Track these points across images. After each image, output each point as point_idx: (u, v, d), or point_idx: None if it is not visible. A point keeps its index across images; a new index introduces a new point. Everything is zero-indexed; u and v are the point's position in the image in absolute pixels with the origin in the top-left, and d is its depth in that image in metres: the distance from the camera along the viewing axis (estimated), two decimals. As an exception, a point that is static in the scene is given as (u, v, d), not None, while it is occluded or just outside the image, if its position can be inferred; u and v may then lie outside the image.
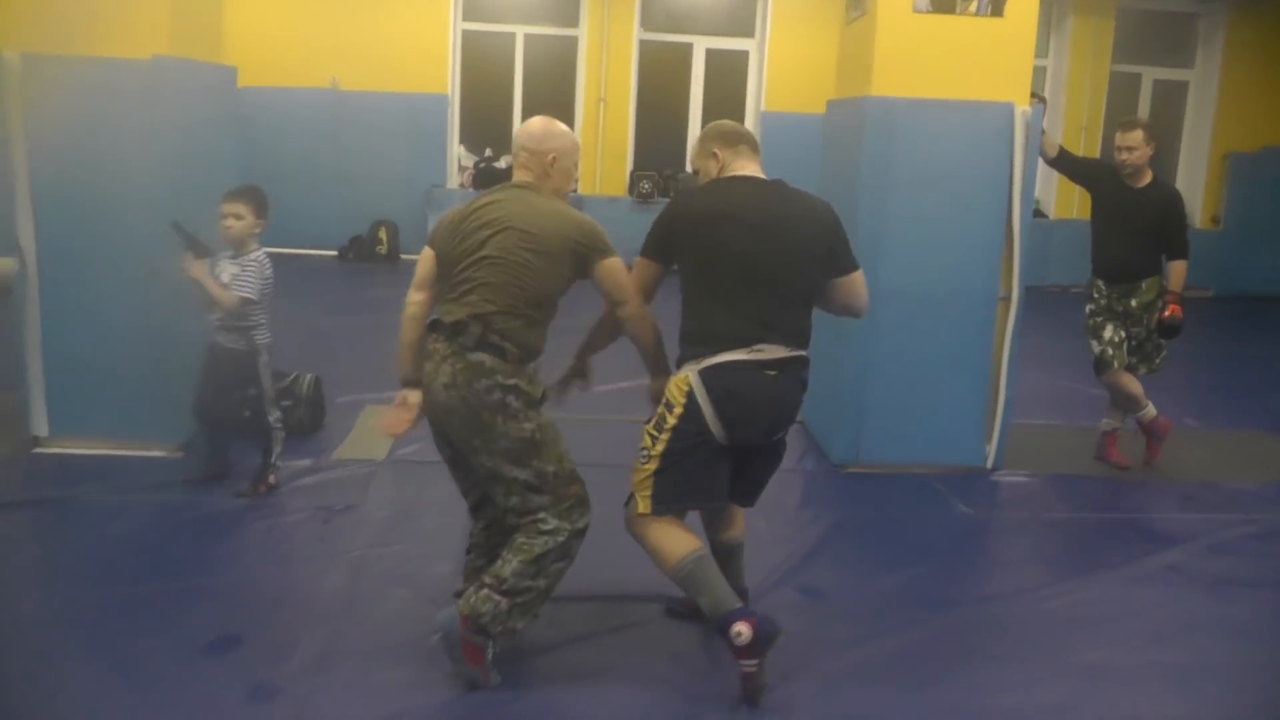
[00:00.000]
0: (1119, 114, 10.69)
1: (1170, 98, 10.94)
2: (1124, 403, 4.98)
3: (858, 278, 3.10)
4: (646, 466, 2.95)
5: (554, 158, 3.03)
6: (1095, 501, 4.67)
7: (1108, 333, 4.87)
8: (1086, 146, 10.32)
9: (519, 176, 3.04)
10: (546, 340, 2.99)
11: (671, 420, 2.91)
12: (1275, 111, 10.49)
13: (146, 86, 4.24)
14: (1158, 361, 4.96)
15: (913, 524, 4.32)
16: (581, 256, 2.92)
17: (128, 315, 4.39)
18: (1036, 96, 4.67)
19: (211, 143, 4.80)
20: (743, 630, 2.78)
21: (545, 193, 3.01)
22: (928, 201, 4.64)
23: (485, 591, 2.82)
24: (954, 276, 4.70)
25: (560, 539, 2.89)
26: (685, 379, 2.92)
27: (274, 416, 4.29)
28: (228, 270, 4.10)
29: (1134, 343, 4.90)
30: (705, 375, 2.88)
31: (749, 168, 3.06)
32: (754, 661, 2.80)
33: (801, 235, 2.97)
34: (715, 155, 3.07)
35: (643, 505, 2.96)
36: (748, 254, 2.90)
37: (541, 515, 2.89)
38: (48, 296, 4.37)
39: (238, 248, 4.12)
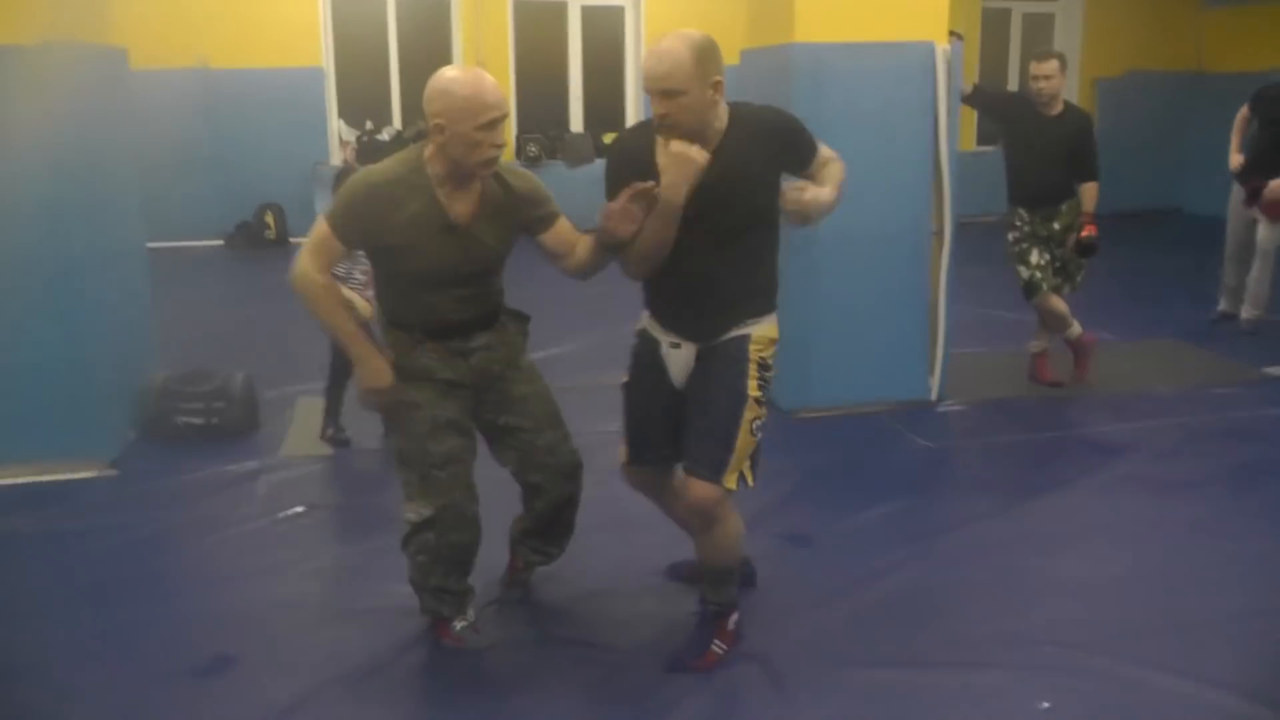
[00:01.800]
0: (993, 48, 11.10)
1: (1039, 29, 11.33)
2: (1053, 323, 5.15)
3: None
4: (757, 437, 2.70)
5: (439, 123, 2.52)
6: (1040, 421, 4.84)
7: (1033, 257, 5.02)
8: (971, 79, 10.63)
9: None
10: (412, 306, 2.74)
11: (770, 384, 2.74)
12: (1136, 37, 11.00)
13: (37, 74, 3.89)
14: (1079, 279, 5.16)
15: (875, 461, 4.40)
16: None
17: (39, 327, 4.03)
18: (954, 34, 4.74)
19: (110, 130, 4.47)
20: (737, 617, 2.93)
21: (432, 164, 2.60)
22: (858, 143, 4.57)
23: None
24: (888, 215, 4.75)
25: (405, 531, 2.83)
26: (775, 335, 2.75)
27: None
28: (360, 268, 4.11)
29: (1057, 264, 5.08)
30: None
31: None
32: (729, 645, 2.89)
33: None
34: (718, 84, 2.54)
35: (751, 479, 2.72)
36: None
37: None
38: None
39: None
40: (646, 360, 2.81)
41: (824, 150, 2.77)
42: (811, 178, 2.73)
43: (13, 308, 4.01)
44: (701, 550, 2.84)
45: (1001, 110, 5.28)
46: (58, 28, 3.99)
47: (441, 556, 2.82)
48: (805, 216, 2.61)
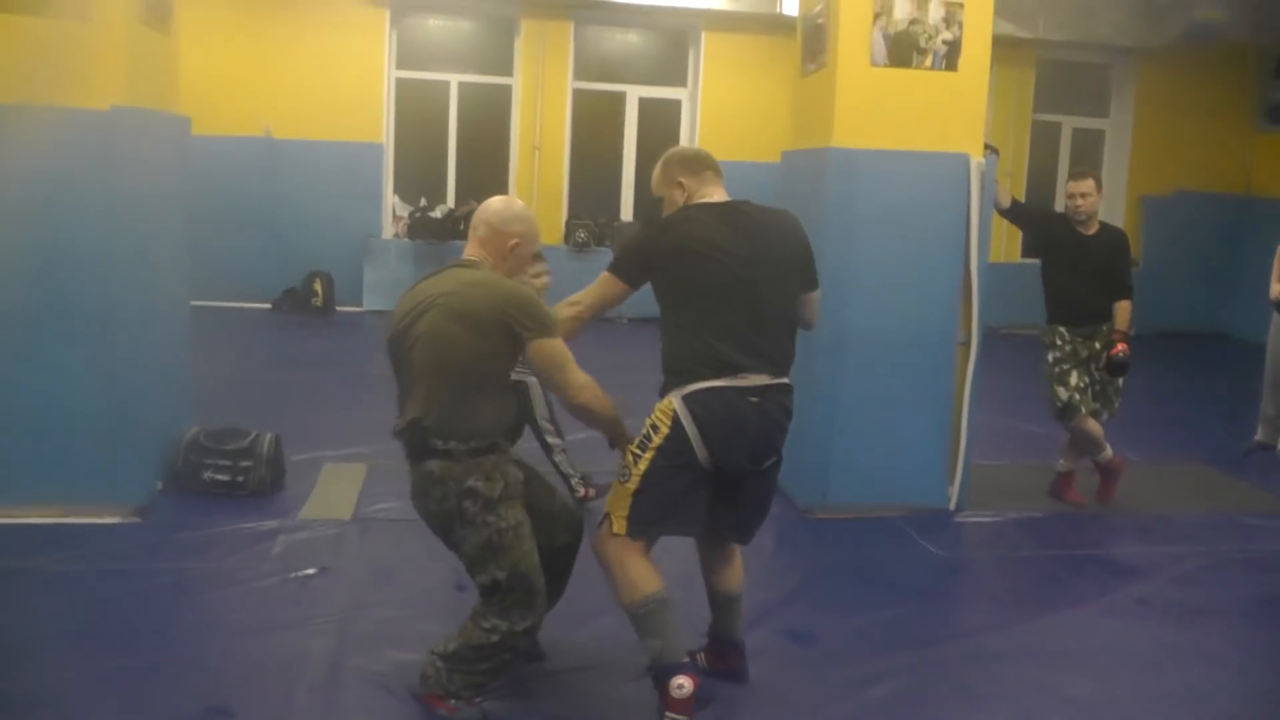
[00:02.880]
0: (1042, 161, 11.19)
1: (1088, 145, 11.41)
2: (1086, 446, 5.08)
3: (818, 295, 3.17)
4: (627, 486, 2.89)
5: (516, 243, 2.97)
6: (1057, 538, 4.78)
7: (1073, 379, 4.95)
8: (1012, 192, 10.69)
9: (470, 252, 2.98)
10: (507, 411, 2.96)
11: (657, 440, 2.87)
12: (1185, 156, 11.01)
13: (104, 137, 4.12)
14: (1116, 405, 5.09)
15: (886, 566, 4.37)
16: (515, 333, 2.81)
17: (79, 374, 4.20)
18: (989, 148, 4.83)
19: (166, 194, 4.69)
20: (685, 684, 2.83)
21: (489, 270, 2.94)
22: (889, 250, 4.74)
23: (431, 657, 2.95)
24: (915, 321, 4.80)
25: (495, 638, 2.88)
26: (669, 404, 2.88)
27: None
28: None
29: (1096, 387, 5.02)
30: (689, 400, 2.85)
31: (716, 193, 3.07)
32: (682, 718, 2.82)
33: (783, 256, 3.01)
34: (681, 184, 3.07)
35: (618, 526, 2.88)
36: (734, 283, 2.89)
37: (481, 610, 2.90)
38: (-5, 354, 4.16)
39: None
40: None
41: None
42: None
43: (55, 352, 4.19)
44: None
45: (1038, 227, 5.34)
46: (130, 95, 4.22)
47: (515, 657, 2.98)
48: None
